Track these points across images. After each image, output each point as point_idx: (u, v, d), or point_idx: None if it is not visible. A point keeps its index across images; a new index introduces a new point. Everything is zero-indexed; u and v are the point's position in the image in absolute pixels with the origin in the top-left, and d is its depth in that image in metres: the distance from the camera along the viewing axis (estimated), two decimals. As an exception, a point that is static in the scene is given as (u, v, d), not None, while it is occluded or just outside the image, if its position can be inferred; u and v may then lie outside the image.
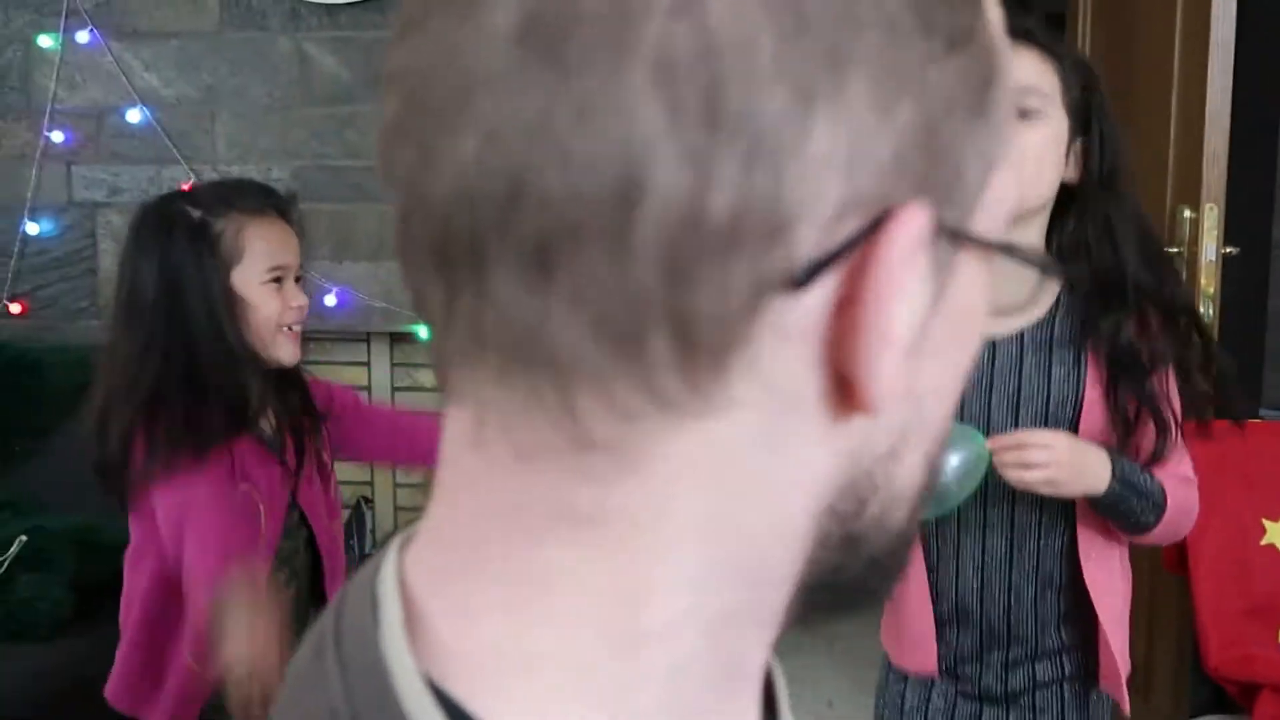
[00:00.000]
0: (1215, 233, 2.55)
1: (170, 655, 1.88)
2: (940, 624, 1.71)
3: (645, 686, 0.42)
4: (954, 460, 1.47)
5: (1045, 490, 1.54)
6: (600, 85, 0.36)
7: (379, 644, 0.43)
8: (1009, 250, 0.43)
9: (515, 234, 0.37)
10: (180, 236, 1.80)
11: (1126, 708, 1.73)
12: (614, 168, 0.36)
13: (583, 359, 0.38)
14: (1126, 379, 1.59)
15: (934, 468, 0.46)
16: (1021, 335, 1.62)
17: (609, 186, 0.36)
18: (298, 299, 1.86)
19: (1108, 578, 1.68)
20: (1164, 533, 1.64)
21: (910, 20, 0.38)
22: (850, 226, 0.38)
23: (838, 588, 0.44)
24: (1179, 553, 2.23)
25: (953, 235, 0.41)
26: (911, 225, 0.38)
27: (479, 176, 0.37)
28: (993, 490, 1.60)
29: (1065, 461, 1.52)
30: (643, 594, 0.41)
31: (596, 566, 0.41)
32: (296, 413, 1.96)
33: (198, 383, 1.78)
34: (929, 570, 1.70)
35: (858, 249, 0.38)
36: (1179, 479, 1.64)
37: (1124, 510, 1.59)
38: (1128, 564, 1.73)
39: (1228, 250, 2.60)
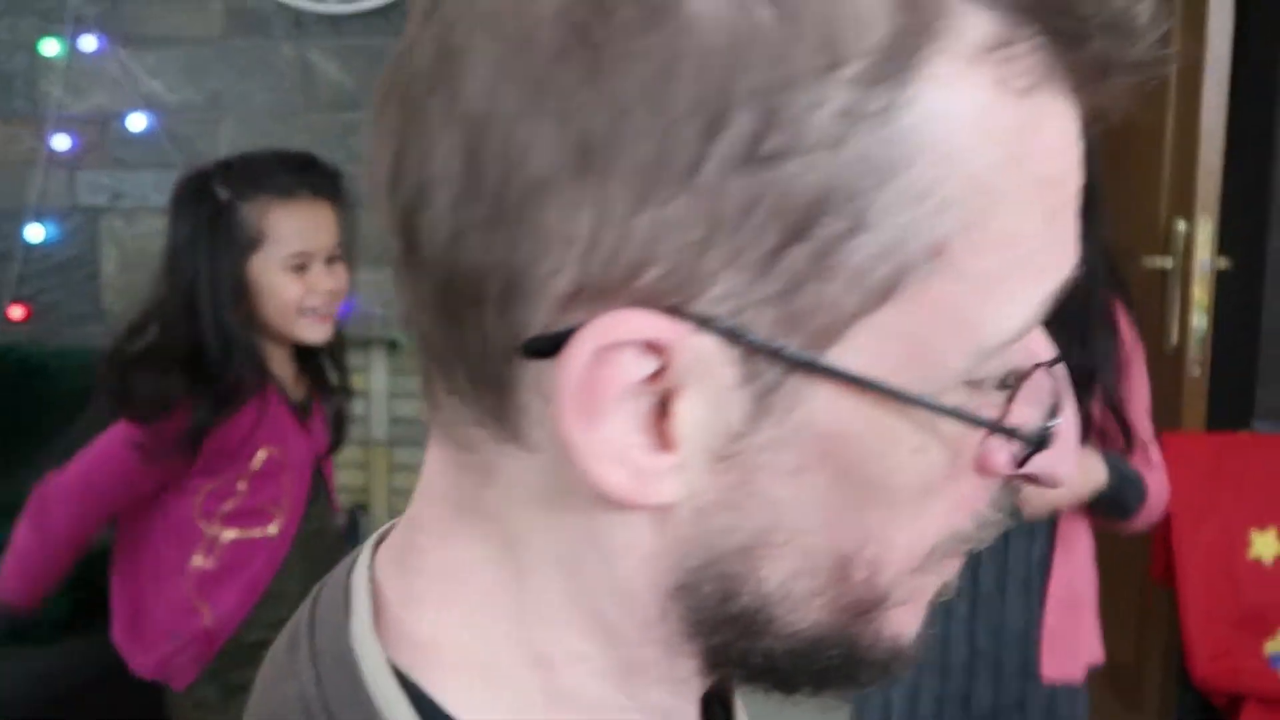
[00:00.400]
0: (1209, 245, 2.57)
1: (145, 596, 1.91)
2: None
3: (569, 710, 0.45)
4: None
5: (1064, 503, 1.59)
6: (416, 130, 0.40)
7: (349, 634, 0.45)
8: (891, 393, 0.40)
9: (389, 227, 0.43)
10: (205, 217, 1.82)
11: (1062, 673, 1.76)
12: (406, 199, 0.41)
13: (424, 359, 0.44)
14: (1088, 390, 1.67)
15: (858, 589, 0.44)
16: None
17: (401, 218, 0.41)
18: (326, 283, 1.87)
19: (1075, 567, 1.75)
20: (1144, 519, 1.72)
21: (693, 118, 0.36)
22: (584, 312, 0.38)
23: (751, 670, 0.45)
24: (1167, 564, 2.25)
25: (775, 355, 0.39)
26: (613, 329, 0.38)
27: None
28: None
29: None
30: (531, 613, 0.45)
31: (491, 572, 0.45)
32: (327, 387, 1.99)
33: (206, 352, 1.80)
34: None
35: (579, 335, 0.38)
36: (1149, 465, 1.72)
37: (1119, 501, 1.67)
38: (1093, 558, 1.79)
39: (1222, 263, 2.62)
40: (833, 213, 0.37)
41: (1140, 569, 2.53)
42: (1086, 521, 1.76)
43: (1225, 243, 2.65)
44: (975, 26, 0.38)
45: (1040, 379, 0.44)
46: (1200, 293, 2.57)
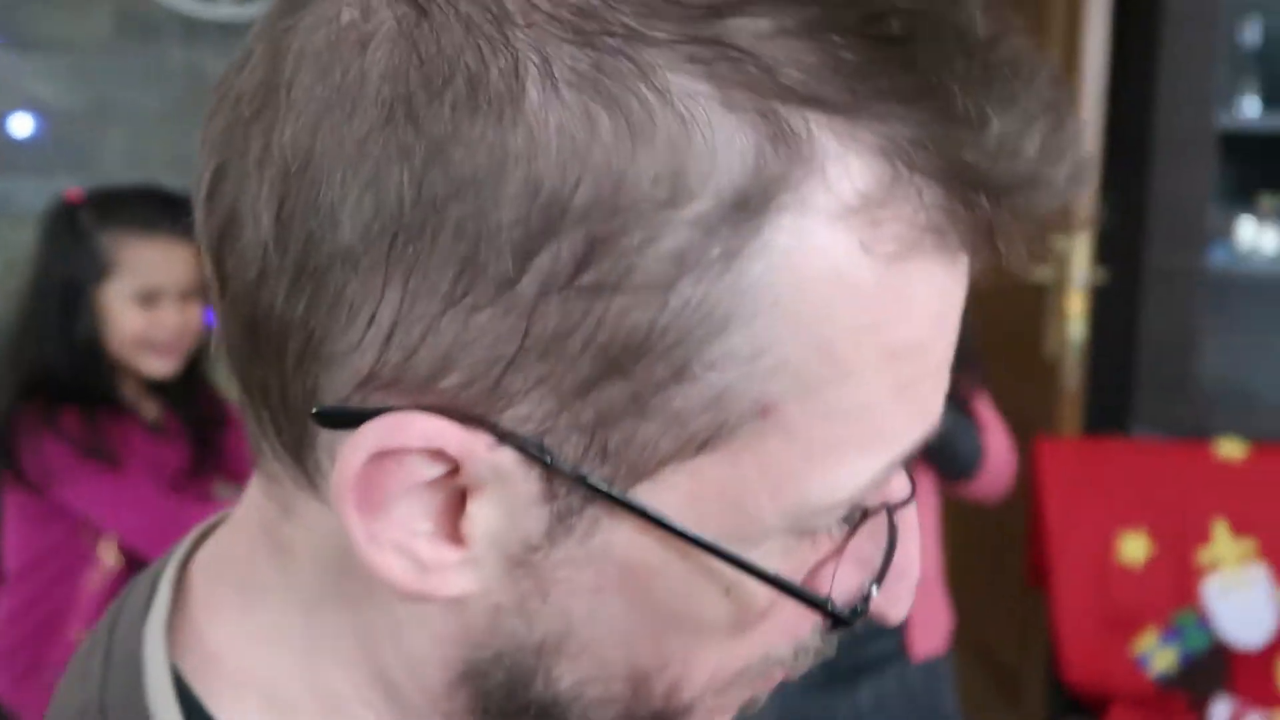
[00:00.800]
0: (1085, 254, 2.64)
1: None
2: None
3: None
4: None
5: None
6: (235, 153, 0.38)
7: (142, 633, 0.43)
8: (695, 543, 0.37)
9: None
10: (66, 241, 1.85)
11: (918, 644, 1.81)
12: (219, 223, 0.38)
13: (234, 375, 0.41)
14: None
15: (656, 701, 0.42)
16: None
17: (212, 240, 0.39)
18: (172, 320, 1.85)
19: (925, 550, 1.80)
20: (989, 479, 1.79)
21: (515, 228, 0.33)
22: (380, 395, 0.36)
23: None
24: (1040, 567, 2.30)
25: (578, 481, 0.36)
26: (398, 432, 0.36)
27: None
28: None
29: None
30: (320, 651, 0.43)
31: (284, 600, 0.43)
32: (193, 414, 1.97)
33: (62, 378, 1.81)
34: None
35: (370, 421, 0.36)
36: (988, 431, 1.81)
37: (953, 450, 1.75)
38: (937, 538, 1.87)
39: (1099, 274, 2.69)
40: (655, 356, 0.35)
41: (1024, 572, 2.59)
42: (931, 498, 1.83)
43: (1103, 254, 2.72)
44: (849, 177, 0.34)
45: (883, 520, 0.43)
46: (1077, 303, 2.64)
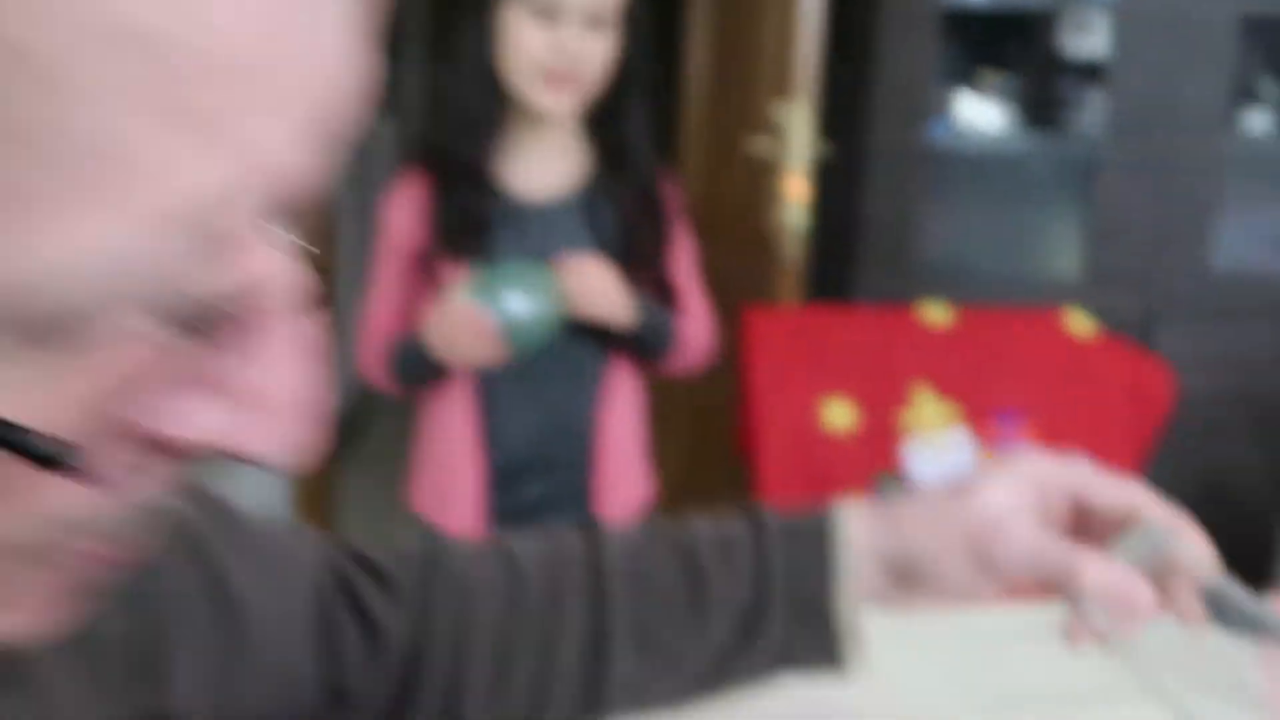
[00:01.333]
0: (806, 130, 2.61)
1: None
2: (501, 475, 1.76)
3: None
4: (524, 300, 1.58)
5: (597, 315, 1.67)
6: None
7: None
8: None
9: None
10: None
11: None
12: None
13: None
14: (638, 249, 1.74)
15: None
16: (561, 204, 1.74)
17: None
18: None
19: (622, 413, 1.81)
20: (681, 360, 1.80)
21: None
22: None
23: None
24: (747, 439, 2.29)
25: None
26: None
27: None
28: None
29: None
30: None
31: None
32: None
33: None
34: (485, 419, 1.74)
35: None
36: (688, 314, 1.81)
37: (646, 341, 1.75)
38: (639, 404, 1.86)
39: (822, 148, 2.67)
40: None
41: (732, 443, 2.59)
42: (631, 370, 1.82)
43: (827, 130, 2.70)
44: None
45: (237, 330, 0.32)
46: (799, 178, 2.61)
